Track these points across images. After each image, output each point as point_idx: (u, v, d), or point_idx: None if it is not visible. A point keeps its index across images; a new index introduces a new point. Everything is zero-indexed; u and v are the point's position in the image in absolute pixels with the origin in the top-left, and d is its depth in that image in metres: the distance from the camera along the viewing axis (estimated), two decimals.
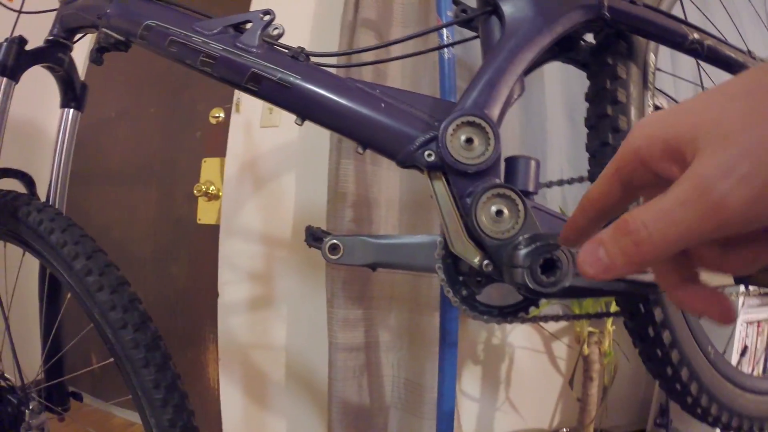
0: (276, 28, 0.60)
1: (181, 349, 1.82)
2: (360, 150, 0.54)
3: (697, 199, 0.20)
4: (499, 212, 0.48)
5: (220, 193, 1.67)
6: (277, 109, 1.55)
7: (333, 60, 0.69)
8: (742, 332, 1.51)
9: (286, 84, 0.56)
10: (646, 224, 0.22)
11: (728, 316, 0.25)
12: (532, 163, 0.53)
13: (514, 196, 0.48)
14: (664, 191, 0.22)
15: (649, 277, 0.47)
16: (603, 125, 0.63)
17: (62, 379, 1.00)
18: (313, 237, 0.62)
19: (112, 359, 0.75)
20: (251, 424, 1.66)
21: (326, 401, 1.39)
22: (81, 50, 0.87)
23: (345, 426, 1.38)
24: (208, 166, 1.73)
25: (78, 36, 0.86)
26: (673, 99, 0.88)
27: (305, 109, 0.56)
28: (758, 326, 1.55)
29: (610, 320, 1.48)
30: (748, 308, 1.49)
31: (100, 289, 0.74)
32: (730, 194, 0.20)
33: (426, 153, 0.50)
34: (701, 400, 0.67)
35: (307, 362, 1.57)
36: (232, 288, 1.62)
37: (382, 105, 0.53)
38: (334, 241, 0.56)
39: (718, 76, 0.87)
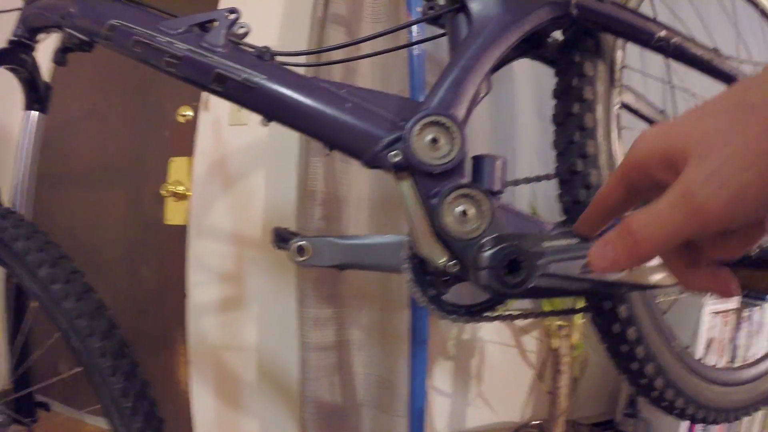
0: (242, 27, 0.59)
1: (152, 352, 1.79)
2: (326, 151, 0.54)
3: (683, 203, 0.24)
4: (465, 213, 0.49)
5: (189, 193, 1.64)
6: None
7: (301, 59, 0.68)
8: (707, 323, 1.55)
9: (251, 84, 0.55)
10: (643, 225, 0.26)
11: (729, 291, 0.29)
12: (499, 162, 0.53)
13: (479, 196, 0.49)
14: (659, 196, 0.25)
15: (614, 276, 0.48)
16: (569, 123, 0.63)
17: (31, 389, 0.98)
18: (281, 238, 0.61)
19: (80, 368, 0.74)
20: (224, 426, 1.64)
21: (299, 401, 1.38)
22: (45, 50, 0.84)
23: (318, 425, 1.38)
24: (176, 166, 1.69)
25: (41, 36, 0.84)
26: (641, 96, 0.89)
27: (270, 109, 0.56)
28: (724, 316, 1.60)
29: (579, 314, 1.50)
30: (713, 299, 1.53)
31: (66, 297, 0.72)
32: (711, 199, 0.23)
33: (392, 153, 0.50)
34: (667, 393, 0.68)
35: (279, 362, 1.56)
36: (202, 289, 1.60)
37: (348, 105, 0.53)
38: (301, 242, 0.55)
39: (686, 72, 0.90)
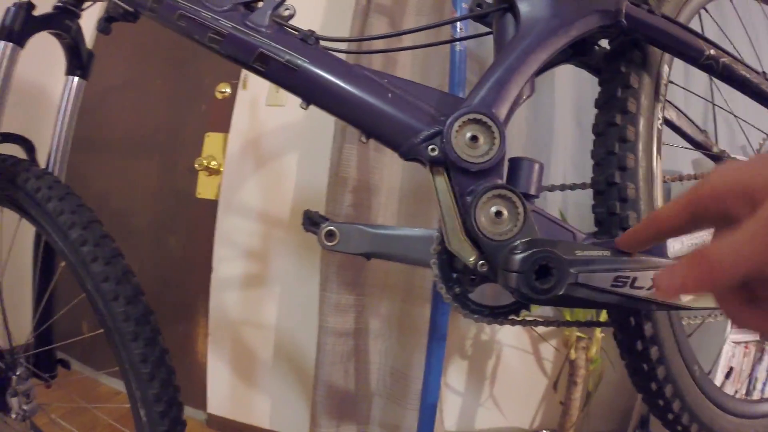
0: (287, 9, 0.59)
1: (172, 322, 1.82)
2: (363, 139, 0.54)
3: (764, 235, 0.25)
4: (499, 213, 0.48)
5: (221, 169, 1.67)
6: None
7: (343, 45, 0.68)
8: (728, 352, 1.51)
9: (294, 66, 0.55)
10: (721, 253, 0.27)
11: None
12: (536, 166, 0.52)
13: (515, 198, 0.48)
14: (734, 228, 0.27)
15: (643, 293, 0.47)
16: (610, 133, 0.61)
17: (52, 346, 1.00)
18: (311, 222, 0.61)
19: (102, 330, 0.75)
20: (236, 400, 1.67)
21: (312, 384, 1.39)
22: (90, 18, 0.85)
23: (328, 410, 1.39)
24: (211, 141, 1.72)
25: (87, 4, 0.85)
26: (683, 113, 0.87)
27: (311, 93, 0.55)
28: (745, 347, 1.55)
29: (599, 328, 1.48)
30: (735, 329, 1.49)
31: (95, 260, 0.73)
32: None
33: (430, 147, 0.50)
34: (682, 418, 0.66)
35: (296, 344, 1.58)
36: (227, 264, 1.62)
37: (389, 95, 0.53)
38: (331, 227, 0.55)
39: (729, 93, 0.87)
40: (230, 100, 1.66)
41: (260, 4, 0.59)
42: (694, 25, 0.70)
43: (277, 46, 0.55)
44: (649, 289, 0.47)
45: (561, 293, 0.44)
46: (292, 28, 0.58)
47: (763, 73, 0.69)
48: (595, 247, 0.46)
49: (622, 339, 0.63)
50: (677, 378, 0.64)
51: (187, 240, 1.83)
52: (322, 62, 0.55)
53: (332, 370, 1.35)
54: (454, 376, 1.64)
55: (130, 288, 0.76)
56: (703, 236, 0.47)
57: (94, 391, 1.86)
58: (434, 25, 0.74)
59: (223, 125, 1.67)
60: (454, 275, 0.54)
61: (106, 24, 0.72)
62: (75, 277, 0.75)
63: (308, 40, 0.57)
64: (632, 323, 0.59)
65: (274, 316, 1.58)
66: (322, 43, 0.59)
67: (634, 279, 0.47)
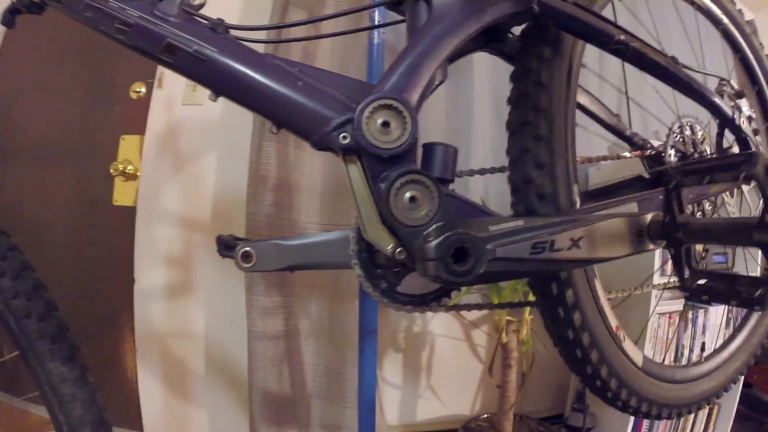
0: None
1: (98, 337, 1.72)
2: (274, 129, 0.52)
3: None
4: (413, 198, 0.47)
5: (138, 173, 1.58)
6: (201, 87, 1.49)
7: (256, 35, 0.65)
8: (654, 323, 1.60)
9: (202, 56, 0.52)
10: None
11: None
12: (450, 151, 0.52)
13: (428, 182, 0.48)
14: None
15: (564, 254, 0.48)
16: (524, 132, 0.63)
17: None
18: (225, 246, 0.59)
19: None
20: (172, 415, 1.60)
21: (248, 391, 1.36)
22: None
23: (267, 416, 1.35)
24: (127, 144, 1.63)
25: None
26: (596, 98, 0.90)
27: (220, 84, 0.53)
28: (669, 317, 1.65)
29: (527, 309, 1.53)
30: (661, 301, 1.58)
31: (2, 275, 0.68)
32: None
33: (341, 135, 0.48)
34: (611, 383, 0.69)
35: (227, 351, 1.53)
36: (150, 274, 1.55)
37: (299, 83, 0.51)
38: (246, 248, 0.53)
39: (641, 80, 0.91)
40: (145, 100, 1.58)
41: None
42: (608, 13, 0.73)
43: (185, 35, 0.53)
44: (569, 248, 0.48)
45: (482, 271, 0.44)
46: (201, 18, 0.56)
47: (672, 57, 0.72)
48: (508, 219, 0.47)
49: (545, 307, 0.64)
50: (602, 344, 0.66)
51: (106, 250, 1.73)
52: (231, 52, 0.53)
53: (266, 374, 1.32)
54: (390, 370, 1.64)
55: (43, 303, 0.71)
56: None
57: (22, 422, 1.73)
58: (350, 11, 0.73)
59: (138, 127, 1.58)
60: (378, 271, 0.54)
61: (10, 17, 0.66)
62: None
63: (218, 30, 0.55)
64: (554, 291, 0.60)
65: (202, 325, 1.53)
66: (233, 32, 0.56)
67: (552, 242, 0.48)
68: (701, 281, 0.56)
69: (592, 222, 0.52)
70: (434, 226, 0.46)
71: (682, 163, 0.83)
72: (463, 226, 0.44)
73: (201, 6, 0.57)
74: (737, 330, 0.92)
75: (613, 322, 0.67)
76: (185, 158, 1.52)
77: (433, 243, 0.44)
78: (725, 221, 0.52)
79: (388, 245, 0.49)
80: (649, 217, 0.56)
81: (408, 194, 0.47)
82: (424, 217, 0.47)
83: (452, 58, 0.57)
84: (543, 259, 0.47)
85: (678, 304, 1.65)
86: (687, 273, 0.57)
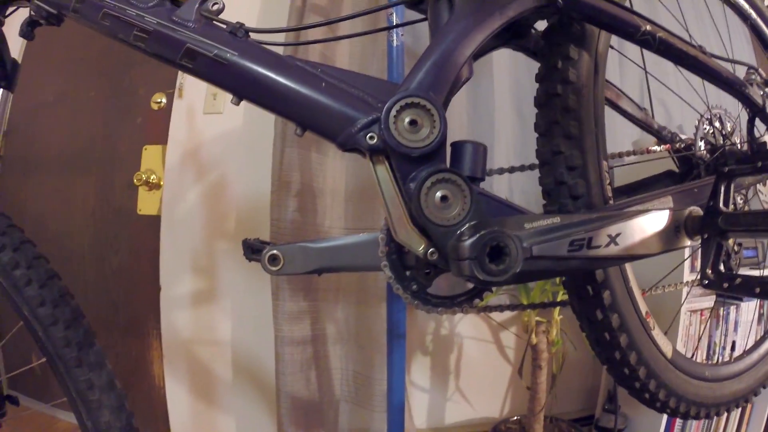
0: (215, 3, 0.56)
1: (125, 345, 1.75)
2: (299, 132, 0.51)
3: None
4: (444, 198, 0.46)
5: (162, 183, 1.60)
6: (221, 96, 1.50)
7: (275, 38, 0.65)
8: (685, 320, 1.56)
9: (223, 61, 0.52)
10: None
11: None
12: (480, 149, 0.51)
13: (459, 181, 0.46)
14: None
15: (602, 251, 0.46)
16: (554, 133, 0.61)
17: None
18: (252, 249, 0.59)
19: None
20: (200, 422, 1.61)
21: (275, 396, 1.35)
22: (14, 26, 0.79)
23: (294, 421, 1.35)
24: (149, 154, 1.64)
25: (10, 10, 0.79)
26: (622, 92, 0.88)
27: (242, 87, 0.53)
28: (701, 315, 1.61)
29: (557, 309, 1.50)
30: (691, 298, 1.54)
31: (28, 284, 0.69)
32: None
33: (368, 135, 0.47)
34: (650, 385, 0.66)
35: (254, 357, 1.53)
36: (175, 281, 1.56)
37: (323, 84, 0.50)
38: (274, 251, 0.52)
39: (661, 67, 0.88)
40: (166, 111, 1.60)
41: None
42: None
43: (205, 40, 0.52)
44: (606, 245, 0.47)
45: (518, 270, 0.43)
46: (220, 22, 0.55)
47: (700, 46, 0.70)
48: (543, 216, 0.45)
49: (581, 310, 0.63)
50: (640, 345, 0.64)
51: (131, 259, 1.75)
52: (252, 54, 0.52)
53: (294, 379, 1.32)
54: (418, 373, 1.63)
55: (69, 311, 0.71)
56: None
57: (50, 427, 1.76)
58: (368, 11, 0.72)
59: (160, 137, 1.60)
60: (408, 273, 0.53)
61: (29, 29, 0.67)
62: (9, 303, 0.70)
63: (237, 33, 0.54)
64: (590, 292, 0.59)
65: (228, 331, 1.53)
66: (253, 35, 0.56)
67: (590, 239, 0.46)
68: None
69: (629, 218, 0.50)
70: (467, 225, 0.45)
71: (744, 152, 0.80)
72: (497, 225, 0.43)
73: (220, 11, 0.57)
74: None
75: (643, 307, 0.65)
76: (208, 166, 1.53)
77: (468, 242, 0.43)
78: None
79: (419, 246, 0.48)
80: (687, 210, 0.54)
81: (439, 193, 0.46)
82: (457, 216, 0.46)
83: (477, 54, 0.56)
84: (581, 256, 0.46)
85: (709, 301, 1.61)
86: (712, 271, 0.55)
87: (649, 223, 0.52)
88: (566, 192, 0.57)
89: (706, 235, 0.54)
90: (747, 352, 0.86)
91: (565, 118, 0.58)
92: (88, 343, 0.71)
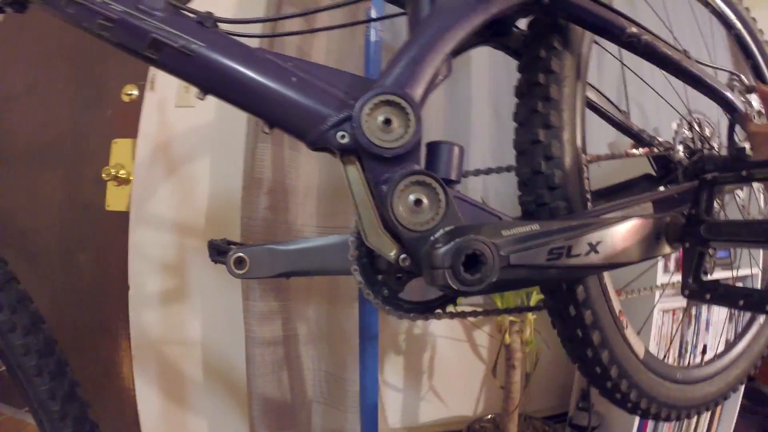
0: None
1: (93, 345, 1.69)
2: (266, 129, 0.49)
3: None
4: (418, 201, 0.44)
5: (131, 178, 1.55)
6: (194, 89, 1.46)
7: (250, 29, 0.62)
8: (658, 320, 1.57)
9: (188, 52, 0.49)
10: None
11: None
12: (456, 150, 0.49)
13: (434, 184, 0.44)
14: None
15: (581, 260, 0.45)
16: (533, 121, 0.60)
17: None
18: (217, 251, 0.56)
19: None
20: (170, 423, 1.57)
21: (247, 398, 1.33)
22: None
23: (267, 423, 1.33)
24: (119, 148, 1.59)
25: None
26: (602, 94, 0.87)
27: (208, 80, 0.50)
28: (673, 314, 1.63)
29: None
30: (664, 297, 1.55)
31: None
32: None
33: (339, 134, 0.45)
34: (621, 385, 0.65)
35: (225, 357, 1.50)
36: (144, 280, 1.52)
37: (293, 79, 0.48)
38: (239, 254, 0.50)
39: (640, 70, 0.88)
40: (137, 103, 1.55)
41: None
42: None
43: (171, 30, 0.50)
44: (587, 254, 0.45)
45: (495, 280, 0.41)
46: (189, 11, 0.52)
47: (684, 51, 0.69)
48: (521, 223, 0.44)
49: (554, 306, 0.61)
50: (613, 344, 0.63)
51: (99, 257, 1.69)
52: (220, 46, 0.50)
53: (265, 381, 1.29)
54: (391, 373, 1.62)
55: (28, 316, 0.67)
56: None
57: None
58: (346, 3, 0.70)
59: (130, 130, 1.55)
60: (379, 277, 0.51)
61: None
62: None
63: (206, 23, 0.52)
64: (564, 288, 0.57)
65: (199, 331, 1.50)
66: (222, 26, 0.53)
67: (569, 248, 0.45)
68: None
69: (610, 225, 0.49)
70: (442, 231, 0.43)
71: (724, 157, 0.80)
72: (473, 231, 0.41)
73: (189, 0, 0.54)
74: (739, 337, 0.90)
75: (617, 305, 0.64)
76: (179, 161, 1.49)
77: (442, 250, 0.41)
78: (761, 222, 0.48)
79: (391, 251, 0.46)
80: (667, 218, 0.53)
81: (412, 197, 0.44)
82: (431, 221, 0.44)
83: (456, 51, 0.54)
84: (560, 265, 0.44)
85: (681, 301, 1.63)
86: (693, 281, 0.54)
87: (630, 230, 0.50)
88: (543, 182, 0.56)
89: (687, 244, 0.53)
90: (718, 356, 0.86)
91: (546, 107, 0.57)
92: (49, 350, 0.68)
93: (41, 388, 0.66)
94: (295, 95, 0.47)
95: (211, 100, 0.52)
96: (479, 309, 0.67)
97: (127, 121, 1.57)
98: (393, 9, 0.69)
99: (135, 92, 1.59)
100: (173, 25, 0.50)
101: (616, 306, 0.64)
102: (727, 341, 0.90)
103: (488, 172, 0.74)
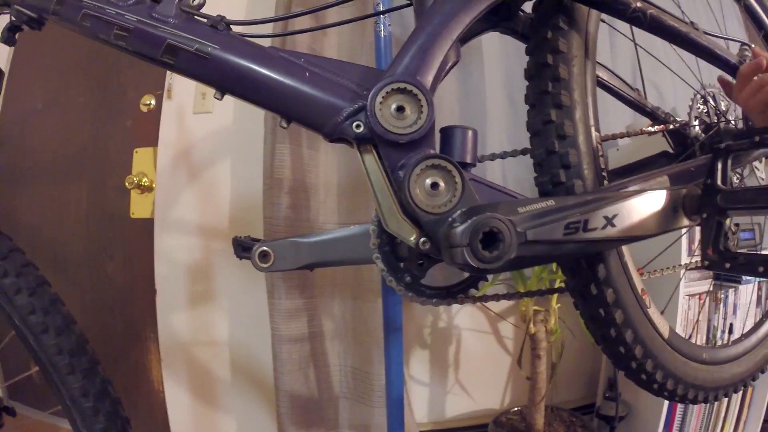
0: None
1: (123, 351, 1.73)
2: (284, 124, 0.50)
3: None
4: (435, 185, 0.45)
5: (154, 185, 1.58)
6: (210, 95, 1.48)
7: (260, 30, 0.64)
8: (683, 305, 1.55)
9: (204, 54, 0.51)
10: None
11: None
12: (469, 133, 0.50)
13: (450, 167, 0.45)
14: None
15: (598, 233, 0.45)
16: (545, 102, 0.60)
17: None
18: (242, 247, 0.58)
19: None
20: (200, 423, 1.60)
21: (274, 395, 1.35)
22: None
23: (294, 420, 1.34)
24: (140, 157, 1.63)
25: None
26: (613, 72, 0.87)
27: (224, 81, 0.52)
28: (699, 299, 1.60)
29: (555, 298, 1.49)
30: (689, 282, 1.53)
31: (18, 292, 0.69)
32: None
33: (354, 124, 0.47)
34: (646, 365, 0.65)
35: (252, 356, 1.52)
36: (171, 284, 1.55)
37: (307, 74, 0.49)
38: (264, 248, 0.51)
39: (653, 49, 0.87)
40: (156, 112, 1.58)
41: None
42: None
43: (185, 35, 0.52)
44: (603, 227, 0.46)
45: (513, 256, 0.42)
46: (201, 16, 0.54)
47: (691, 22, 0.69)
48: (537, 200, 0.44)
49: (576, 285, 0.61)
50: (636, 323, 0.63)
51: (126, 263, 1.73)
52: (234, 47, 0.52)
53: (292, 378, 1.31)
54: (417, 367, 1.62)
55: (60, 318, 0.71)
56: None
57: None
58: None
59: (151, 139, 1.59)
60: (401, 264, 0.52)
61: (10, 34, 0.66)
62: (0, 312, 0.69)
63: (218, 27, 0.54)
64: (584, 266, 0.57)
65: (226, 331, 1.53)
66: (235, 28, 0.55)
67: (586, 222, 0.45)
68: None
69: (626, 198, 0.49)
70: (459, 212, 0.44)
71: (740, 130, 0.80)
72: (490, 209, 0.42)
73: (201, 5, 0.56)
74: (766, 315, 0.88)
75: (638, 284, 0.63)
76: (199, 167, 1.52)
77: (460, 228, 0.41)
78: None
79: (411, 236, 0.47)
80: (684, 189, 0.53)
81: (429, 180, 0.45)
82: (448, 203, 0.45)
83: (464, 38, 0.55)
84: (577, 239, 0.45)
85: (707, 285, 1.60)
86: (713, 251, 0.54)
87: (647, 203, 0.50)
88: (557, 161, 0.56)
89: (705, 215, 0.53)
90: (745, 336, 0.84)
91: (555, 87, 0.57)
92: (80, 349, 0.71)
93: (74, 385, 0.69)
94: (309, 89, 0.48)
95: (228, 105, 0.53)
96: (501, 293, 0.67)
97: (147, 130, 1.60)
98: (400, 1, 0.70)
99: (153, 102, 1.62)
100: (187, 30, 0.52)
101: (639, 284, 0.64)
102: (754, 321, 0.89)
103: (504, 156, 0.74)
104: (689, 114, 0.85)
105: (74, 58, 1.81)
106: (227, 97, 0.53)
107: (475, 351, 1.69)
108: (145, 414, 1.68)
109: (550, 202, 0.44)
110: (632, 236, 0.49)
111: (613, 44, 1.71)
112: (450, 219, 0.44)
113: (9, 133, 1.90)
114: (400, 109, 0.46)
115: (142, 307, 1.62)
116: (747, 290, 1.69)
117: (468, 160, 0.49)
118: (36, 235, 1.88)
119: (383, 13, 1.01)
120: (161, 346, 1.58)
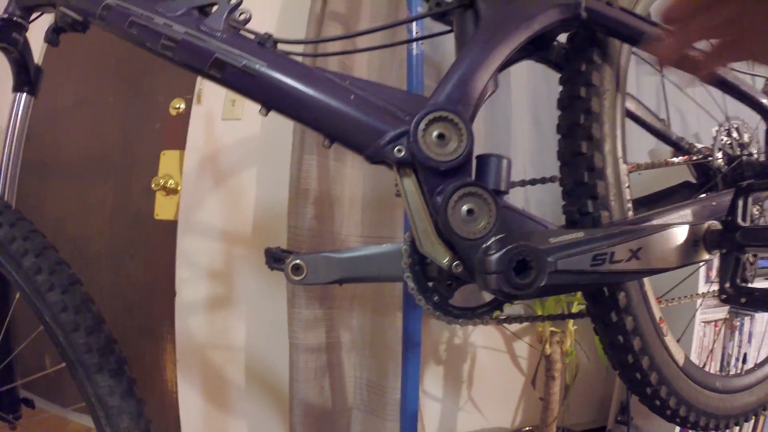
0: (242, 13, 0.57)
1: (138, 349, 1.75)
2: (326, 143, 0.52)
3: None
4: (470, 211, 0.47)
5: (179, 188, 1.61)
6: (239, 102, 1.51)
7: (300, 48, 0.66)
8: (699, 332, 1.54)
9: (251, 71, 0.52)
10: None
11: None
12: (504, 162, 0.52)
13: (485, 195, 0.47)
14: None
15: (622, 266, 0.47)
16: (576, 134, 0.62)
17: (15, 384, 0.94)
18: (274, 258, 0.60)
19: (64, 363, 0.71)
20: (211, 427, 1.61)
21: (288, 403, 1.36)
22: (37, 32, 0.81)
23: (307, 428, 1.35)
24: (167, 159, 1.66)
25: (34, 15, 0.81)
26: (641, 102, 0.88)
27: (271, 98, 0.53)
28: (715, 326, 1.59)
29: (571, 320, 1.49)
30: (705, 309, 1.53)
31: (51, 289, 0.69)
32: None
33: (396, 148, 0.48)
34: (661, 392, 0.66)
35: (268, 363, 1.53)
36: (190, 286, 1.57)
37: (352, 97, 0.51)
38: (297, 261, 0.53)
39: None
40: (185, 116, 1.61)
41: (215, 9, 0.56)
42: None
43: (234, 50, 0.53)
44: (628, 260, 0.47)
45: (543, 284, 0.43)
46: (248, 32, 0.56)
47: None
48: (568, 231, 0.46)
49: (596, 311, 0.63)
50: (653, 350, 0.64)
51: (147, 263, 1.76)
52: (281, 66, 0.53)
53: (307, 387, 1.32)
54: (431, 382, 1.62)
55: (91, 317, 0.71)
56: None
57: (62, 429, 1.76)
58: (391, 25, 0.74)
59: (178, 142, 1.62)
60: (430, 284, 0.53)
61: (54, 35, 0.68)
62: (31, 308, 0.70)
63: (266, 44, 0.55)
64: (606, 294, 0.59)
65: (242, 337, 1.54)
66: (280, 46, 0.57)
67: (612, 254, 0.47)
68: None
69: (651, 232, 0.51)
70: (493, 239, 0.46)
71: (763, 163, 0.81)
72: (523, 239, 0.43)
73: (247, 21, 0.58)
74: None
75: (657, 312, 0.65)
76: (225, 172, 1.54)
77: (495, 256, 0.43)
78: None
79: (444, 258, 0.48)
80: (706, 225, 0.55)
81: (465, 207, 0.47)
82: (483, 230, 0.46)
83: (502, 67, 0.57)
84: (603, 271, 0.46)
85: (723, 312, 1.59)
86: (730, 285, 0.55)
87: (670, 237, 0.52)
88: (586, 192, 0.58)
89: (724, 250, 0.54)
90: (759, 365, 0.85)
91: (587, 120, 0.59)
92: (109, 349, 0.71)
93: (101, 384, 0.69)
94: (354, 112, 0.50)
95: (257, 114, 0.55)
96: (520, 315, 0.69)
97: (175, 133, 1.63)
98: (433, 27, 0.72)
99: (182, 106, 1.65)
100: (235, 46, 0.54)
101: (657, 313, 0.65)
102: None
103: (533, 182, 0.76)
104: (713, 146, 0.86)
105: (107, 58, 1.85)
106: (254, 105, 0.54)
107: (490, 369, 1.69)
108: (157, 414, 1.69)
109: (580, 234, 0.46)
110: (655, 269, 0.51)
111: (639, 70, 1.72)
112: (484, 246, 0.46)
113: (38, 128, 1.93)
114: (442, 136, 0.48)
115: (161, 308, 1.64)
116: (763, 318, 1.68)
117: (502, 188, 0.51)
118: (59, 231, 1.91)
119: (419, 39, 1.03)
120: (177, 347, 1.59)
